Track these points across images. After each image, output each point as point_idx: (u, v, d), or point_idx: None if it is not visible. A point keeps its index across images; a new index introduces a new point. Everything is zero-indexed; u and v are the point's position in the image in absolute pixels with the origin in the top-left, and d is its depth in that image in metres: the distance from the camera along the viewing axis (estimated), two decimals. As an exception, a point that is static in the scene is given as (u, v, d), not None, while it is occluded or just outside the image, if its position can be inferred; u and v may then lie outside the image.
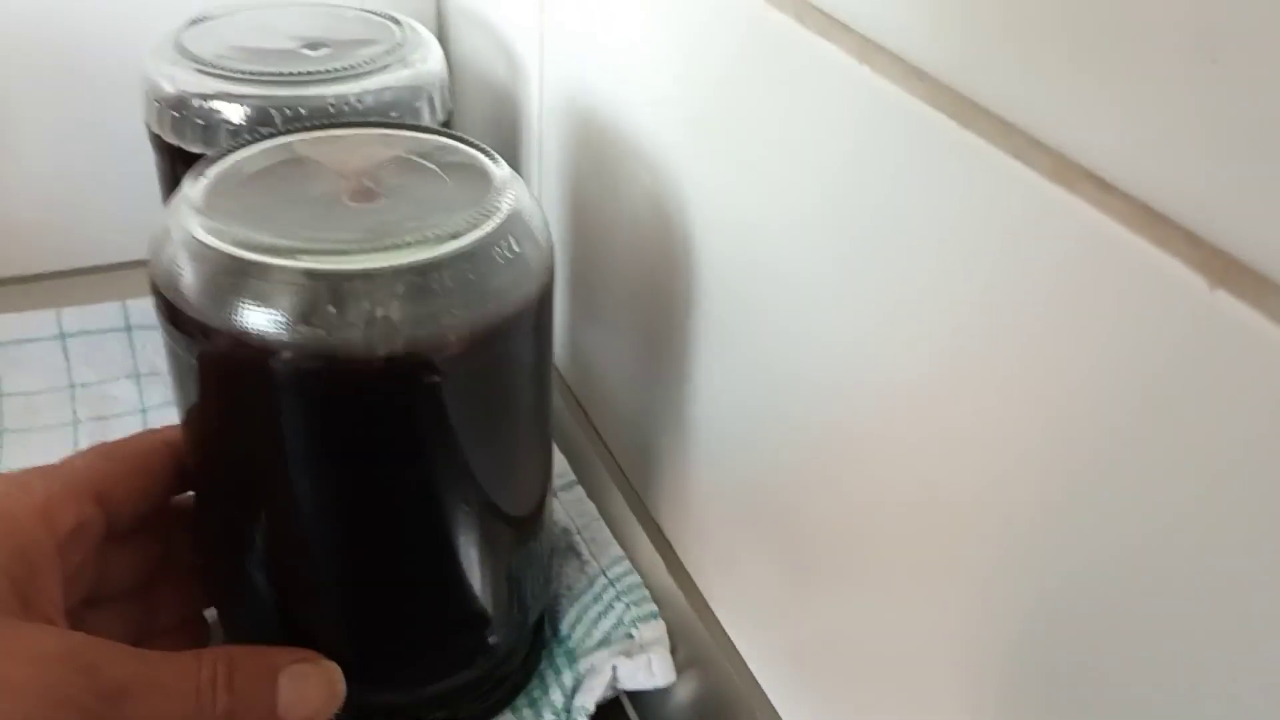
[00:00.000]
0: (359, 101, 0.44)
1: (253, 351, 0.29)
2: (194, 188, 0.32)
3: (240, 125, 0.43)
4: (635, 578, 0.42)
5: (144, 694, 0.29)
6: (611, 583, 0.42)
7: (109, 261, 0.61)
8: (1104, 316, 0.23)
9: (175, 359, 0.32)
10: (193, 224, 0.31)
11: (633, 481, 0.47)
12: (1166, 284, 0.21)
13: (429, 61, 0.47)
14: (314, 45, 0.47)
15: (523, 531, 0.37)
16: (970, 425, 0.26)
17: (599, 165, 0.45)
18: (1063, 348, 0.24)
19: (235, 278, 0.30)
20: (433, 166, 0.35)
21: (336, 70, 0.45)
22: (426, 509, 0.33)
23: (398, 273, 0.30)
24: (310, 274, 0.29)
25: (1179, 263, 0.21)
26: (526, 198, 0.34)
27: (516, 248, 0.32)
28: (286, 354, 0.29)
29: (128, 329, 0.54)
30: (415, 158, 0.35)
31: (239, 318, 0.29)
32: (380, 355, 0.29)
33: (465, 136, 0.36)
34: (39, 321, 0.54)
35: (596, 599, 0.42)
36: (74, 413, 0.51)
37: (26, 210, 0.59)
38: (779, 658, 0.38)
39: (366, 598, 0.35)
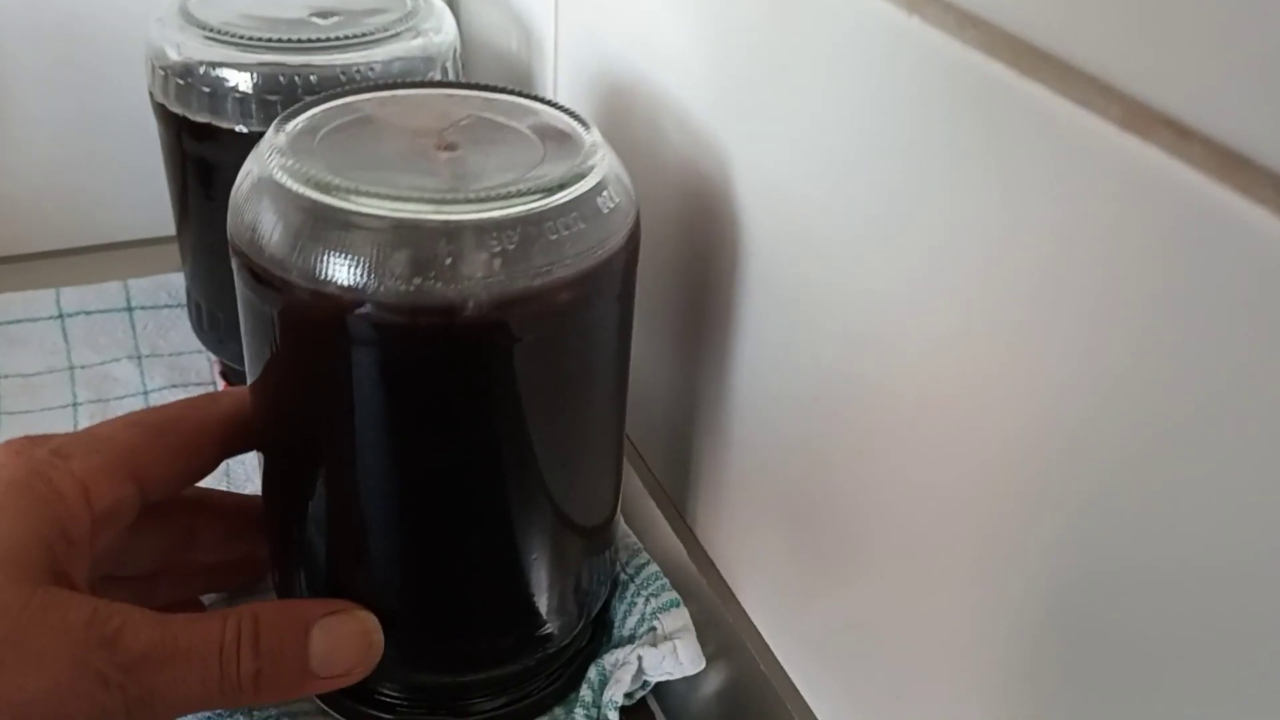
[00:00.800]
0: (370, 70, 0.42)
1: (334, 303, 0.28)
2: (276, 139, 0.31)
3: (247, 94, 0.41)
4: (653, 568, 0.40)
5: (164, 661, 0.28)
6: (631, 578, 0.40)
7: (110, 240, 0.60)
8: (1181, 271, 0.21)
9: (251, 311, 0.31)
10: (277, 169, 0.29)
11: (654, 470, 0.45)
12: (1254, 235, 0.20)
13: (441, 31, 0.46)
14: (324, 14, 0.45)
15: (592, 518, 0.36)
16: (1023, 401, 0.25)
17: (621, 141, 0.43)
18: (1136, 308, 0.22)
19: (320, 224, 0.28)
20: (516, 125, 0.34)
21: (347, 38, 0.43)
22: (499, 481, 0.32)
23: (494, 225, 0.28)
24: (400, 223, 0.28)
25: (1266, 211, 0.19)
26: (614, 158, 0.32)
27: (611, 204, 0.31)
28: (369, 306, 0.28)
29: (129, 309, 0.53)
30: (496, 116, 0.34)
31: (322, 266, 0.28)
32: (467, 313, 0.28)
33: (546, 98, 0.35)
34: (37, 301, 0.52)
35: (621, 598, 0.40)
36: (74, 394, 0.49)
37: (25, 188, 0.57)
38: (805, 645, 0.36)
39: (427, 571, 0.33)
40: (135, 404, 0.49)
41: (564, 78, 0.48)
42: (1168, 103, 0.21)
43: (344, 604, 0.32)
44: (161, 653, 0.28)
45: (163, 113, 0.44)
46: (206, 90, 0.42)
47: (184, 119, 0.43)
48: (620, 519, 0.42)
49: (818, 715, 0.35)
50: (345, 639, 0.31)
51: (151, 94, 0.44)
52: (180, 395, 0.44)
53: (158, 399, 0.49)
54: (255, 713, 0.36)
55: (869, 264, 0.29)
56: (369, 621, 0.32)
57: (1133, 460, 0.22)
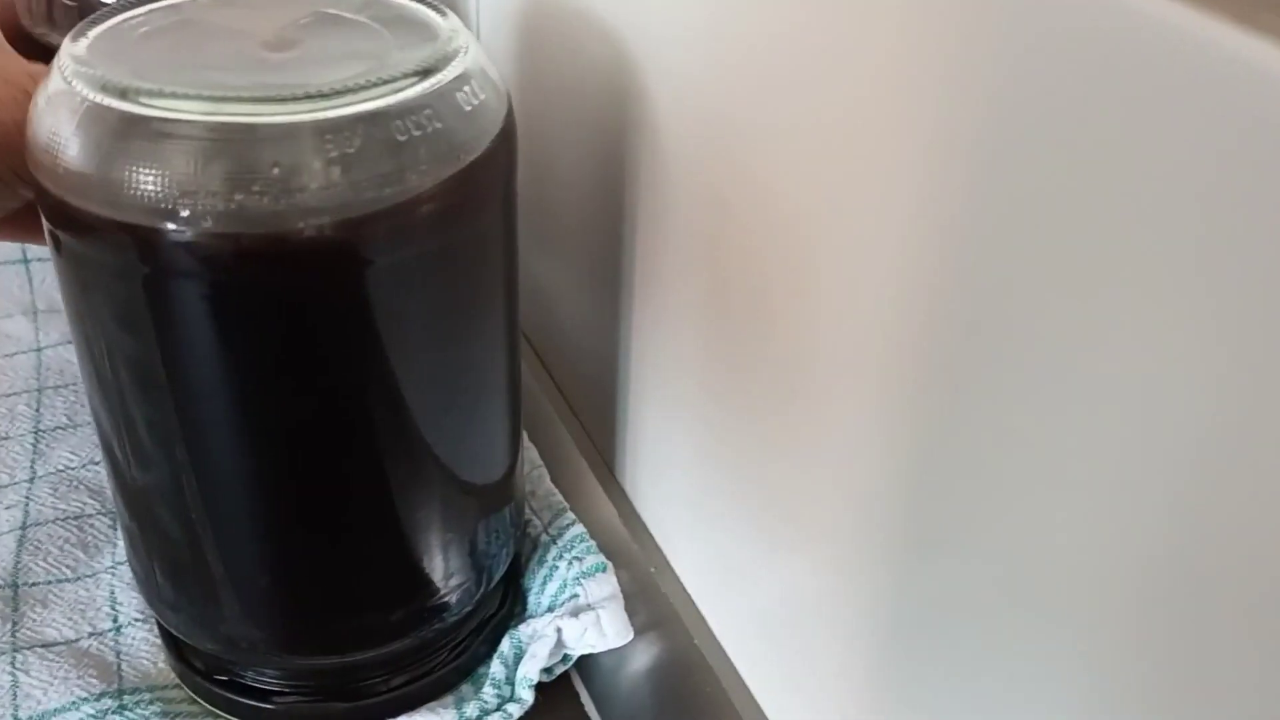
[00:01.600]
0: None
1: (144, 230, 0.24)
2: (75, 46, 0.26)
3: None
4: (579, 529, 0.35)
5: None
6: (554, 539, 0.35)
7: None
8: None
9: (59, 250, 0.26)
10: (73, 79, 0.25)
11: (587, 428, 0.40)
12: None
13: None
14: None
15: (484, 470, 0.31)
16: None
17: (544, 45, 0.38)
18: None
19: (125, 138, 0.24)
20: (364, 19, 0.28)
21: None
22: (364, 434, 0.28)
23: (329, 126, 0.24)
24: (218, 128, 0.23)
25: None
26: (477, 46, 0.28)
27: (475, 99, 0.26)
28: (185, 231, 0.23)
29: (25, 261, 0.48)
30: (341, 12, 0.29)
31: (130, 186, 0.23)
32: (302, 232, 0.24)
33: None
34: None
35: (540, 561, 0.35)
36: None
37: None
38: (746, 621, 0.31)
39: (291, 543, 0.29)
40: (28, 360, 0.45)
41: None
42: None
43: None
44: None
45: (27, 41, 0.39)
46: (71, 4, 0.37)
47: (49, 45, 0.38)
48: (542, 474, 0.38)
49: (755, 695, 0.30)
50: None
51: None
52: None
53: (52, 355, 0.45)
54: (128, 705, 0.32)
55: (789, 160, 0.24)
56: None
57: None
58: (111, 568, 0.36)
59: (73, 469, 0.40)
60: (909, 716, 0.24)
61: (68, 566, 0.36)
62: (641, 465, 0.36)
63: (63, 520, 0.38)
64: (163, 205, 0.23)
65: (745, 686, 0.31)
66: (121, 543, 0.37)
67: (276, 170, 0.24)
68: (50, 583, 0.36)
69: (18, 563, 0.36)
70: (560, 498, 0.37)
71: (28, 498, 0.38)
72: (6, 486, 0.39)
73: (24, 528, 0.37)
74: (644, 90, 0.30)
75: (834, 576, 0.26)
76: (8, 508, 0.38)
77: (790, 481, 0.27)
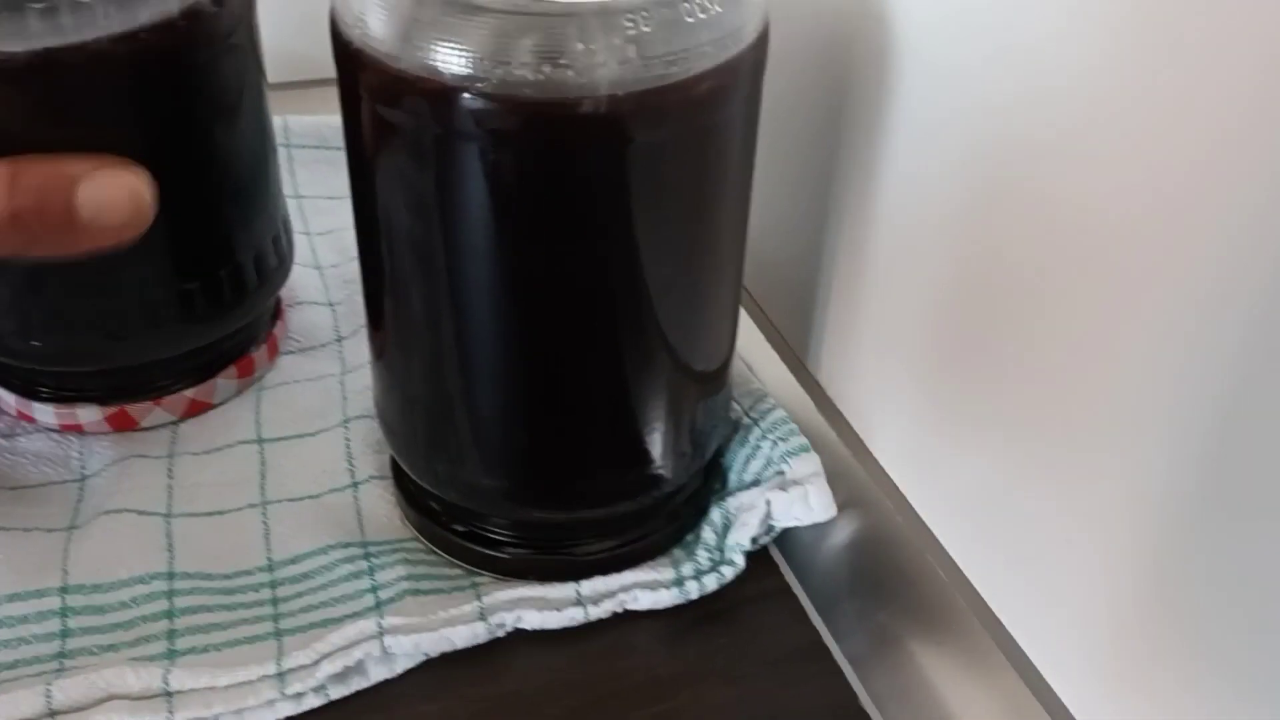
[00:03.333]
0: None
1: (453, 95, 0.26)
2: None
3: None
4: (781, 412, 0.37)
5: None
6: (755, 422, 0.38)
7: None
8: None
9: (352, 116, 0.29)
10: None
11: (772, 318, 0.43)
12: None
13: None
14: None
15: (710, 351, 0.34)
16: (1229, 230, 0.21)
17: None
18: None
19: (427, 9, 0.26)
20: None
21: None
22: (609, 304, 0.30)
23: (627, 6, 0.26)
24: (519, 5, 0.26)
25: None
26: None
27: None
28: (480, 102, 0.26)
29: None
30: None
31: (440, 56, 0.26)
32: (599, 104, 0.26)
33: None
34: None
35: (742, 442, 0.38)
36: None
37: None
38: (949, 499, 0.33)
39: (537, 398, 0.32)
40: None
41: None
42: None
43: (114, 160, 0.30)
44: None
45: None
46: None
47: None
48: (739, 361, 0.40)
49: (964, 570, 0.33)
50: (113, 192, 0.30)
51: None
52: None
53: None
54: (373, 553, 0.35)
55: (1054, 64, 0.26)
56: (138, 180, 0.30)
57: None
58: (344, 422, 0.39)
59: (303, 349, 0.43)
60: (1147, 617, 0.26)
61: (305, 422, 0.39)
62: (837, 359, 0.38)
63: (296, 382, 0.41)
64: (470, 73, 0.26)
65: (953, 562, 0.33)
66: (349, 397, 0.40)
67: (580, 45, 0.26)
68: (292, 438, 0.39)
69: (259, 417, 0.40)
70: (760, 384, 0.39)
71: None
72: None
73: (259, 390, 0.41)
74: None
75: (1069, 466, 0.28)
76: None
77: (1003, 364, 0.29)
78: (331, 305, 0.45)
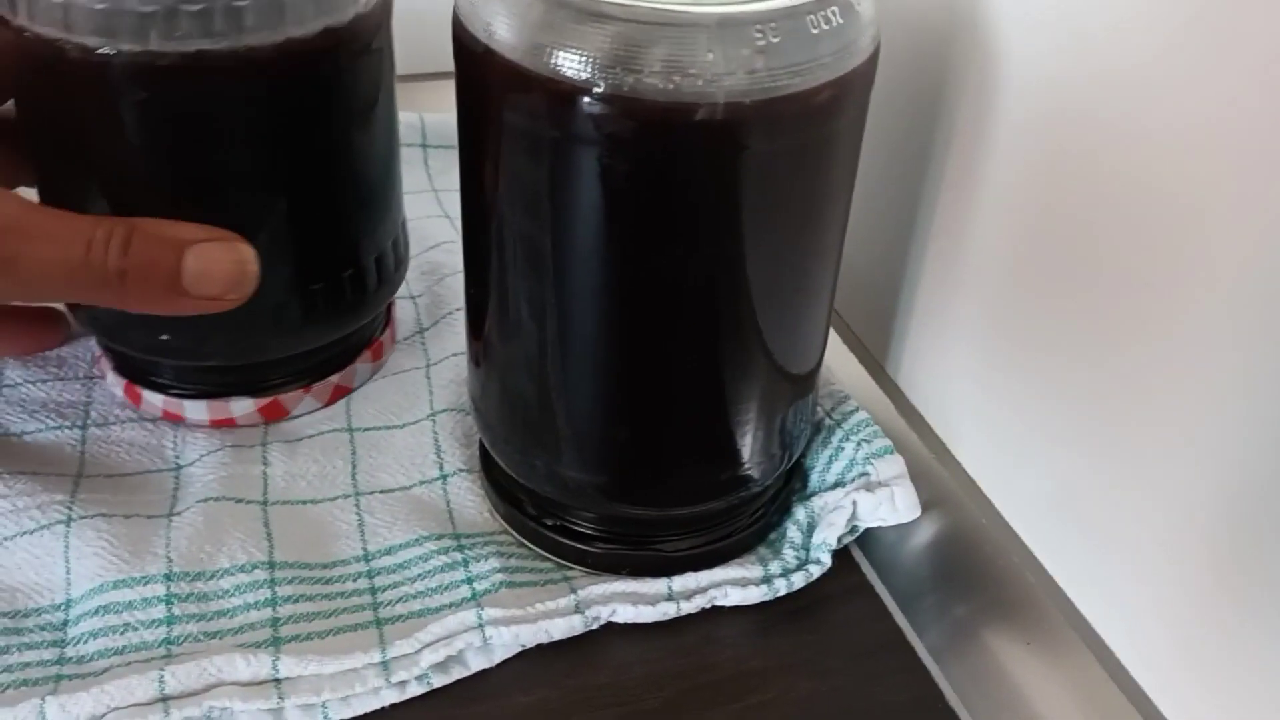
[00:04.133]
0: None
1: (582, 101, 0.27)
2: None
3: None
4: (863, 415, 0.38)
5: (28, 232, 0.30)
6: (838, 424, 0.38)
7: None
8: None
9: (471, 116, 0.30)
10: None
11: (851, 325, 0.43)
12: None
13: None
14: None
15: (803, 355, 0.34)
16: None
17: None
18: None
19: (549, 14, 0.27)
20: None
21: None
22: (709, 306, 0.31)
23: (756, 17, 0.26)
24: (664, 14, 0.26)
25: None
26: None
27: (859, 3, 0.29)
28: (596, 106, 0.26)
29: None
30: None
31: (557, 64, 0.27)
32: (721, 113, 0.26)
33: None
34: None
35: (825, 443, 0.38)
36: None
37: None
38: (1033, 499, 0.34)
39: (637, 396, 0.32)
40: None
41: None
42: None
43: (224, 233, 0.32)
44: (27, 224, 0.30)
45: None
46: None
47: None
48: (824, 364, 0.41)
49: (1050, 571, 0.33)
50: (220, 263, 0.32)
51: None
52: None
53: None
54: (465, 545, 0.36)
55: (1163, 93, 0.27)
56: (245, 251, 0.32)
57: None
58: (431, 415, 0.40)
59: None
60: (1231, 610, 0.27)
61: (393, 414, 0.40)
62: (919, 362, 0.39)
63: (384, 376, 0.42)
64: (602, 79, 0.26)
65: (1037, 561, 0.34)
66: (435, 390, 0.41)
67: (710, 55, 0.26)
68: (381, 429, 0.40)
69: (349, 409, 0.40)
70: (841, 387, 0.40)
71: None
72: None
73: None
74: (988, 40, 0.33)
75: (1149, 464, 0.29)
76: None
77: (1087, 361, 0.30)
78: (414, 299, 0.46)
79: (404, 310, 0.45)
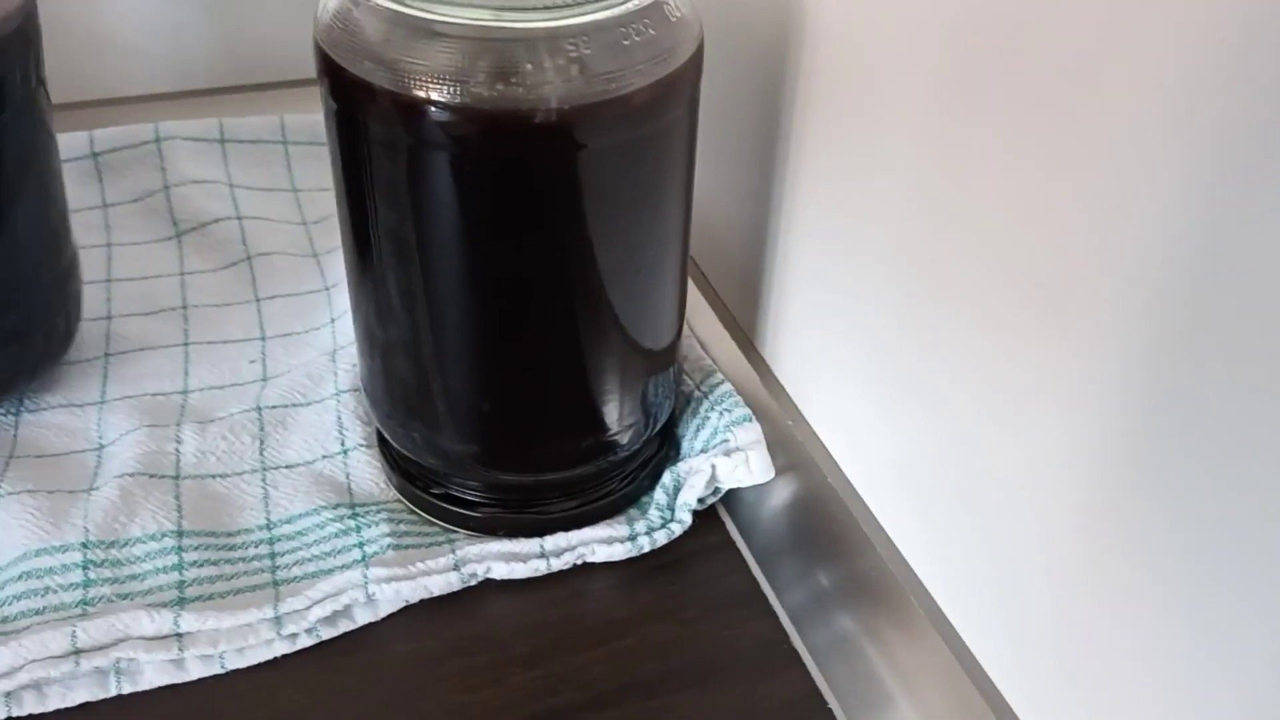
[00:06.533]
0: None
1: (420, 110, 0.30)
2: None
3: None
4: (727, 387, 0.41)
5: None
6: (705, 395, 0.42)
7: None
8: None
9: (339, 124, 0.33)
10: None
11: (726, 301, 0.46)
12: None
13: None
14: None
15: (657, 331, 0.38)
16: (1098, 200, 0.25)
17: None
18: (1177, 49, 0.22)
19: (413, 36, 0.30)
20: None
21: None
22: (564, 289, 0.34)
23: (572, 31, 0.30)
24: (487, 30, 0.29)
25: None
26: None
27: (678, 12, 0.32)
28: (453, 113, 0.30)
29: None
30: None
31: (409, 75, 0.30)
32: (546, 116, 0.30)
33: None
34: (203, 127, 0.56)
35: (693, 413, 0.42)
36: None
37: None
38: (875, 465, 0.37)
39: (505, 374, 0.36)
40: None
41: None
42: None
43: None
44: None
45: None
46: None
47: None
48: (693, 340, 0.44)
49: (886, 529, 0.37)
50: None
51: None
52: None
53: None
54: (359, 514, 0.39)
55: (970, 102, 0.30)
56: None
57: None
58: (335, 394, 0.43)
59: (296, 332, 0.47)
60: (1071, 572, 0.30)
61: (299, 393, 0.44)
62: (781, 338, 0.42)
63: (296, 366, 0.45)
64: (435, 90, 0.30)
65: (875, 519, 0.37)
66: (340, 373, 0.44)
67: (529, 66, 0.30)
68: (287, 406, 0.43)
69: (262, 392, 0.44)
70: (711, 362, 0.43)
71: (264, 353, 0.46)
72: (242, 341, 0.47)
73: (264, 379, 0.45)
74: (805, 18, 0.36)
75: (960, 429, 0.32)
76: (251, 361, 0.46)
77: (926, 340, 0.33)
78: (328, 290, 0.49)
79: (319, 301, 0.48)
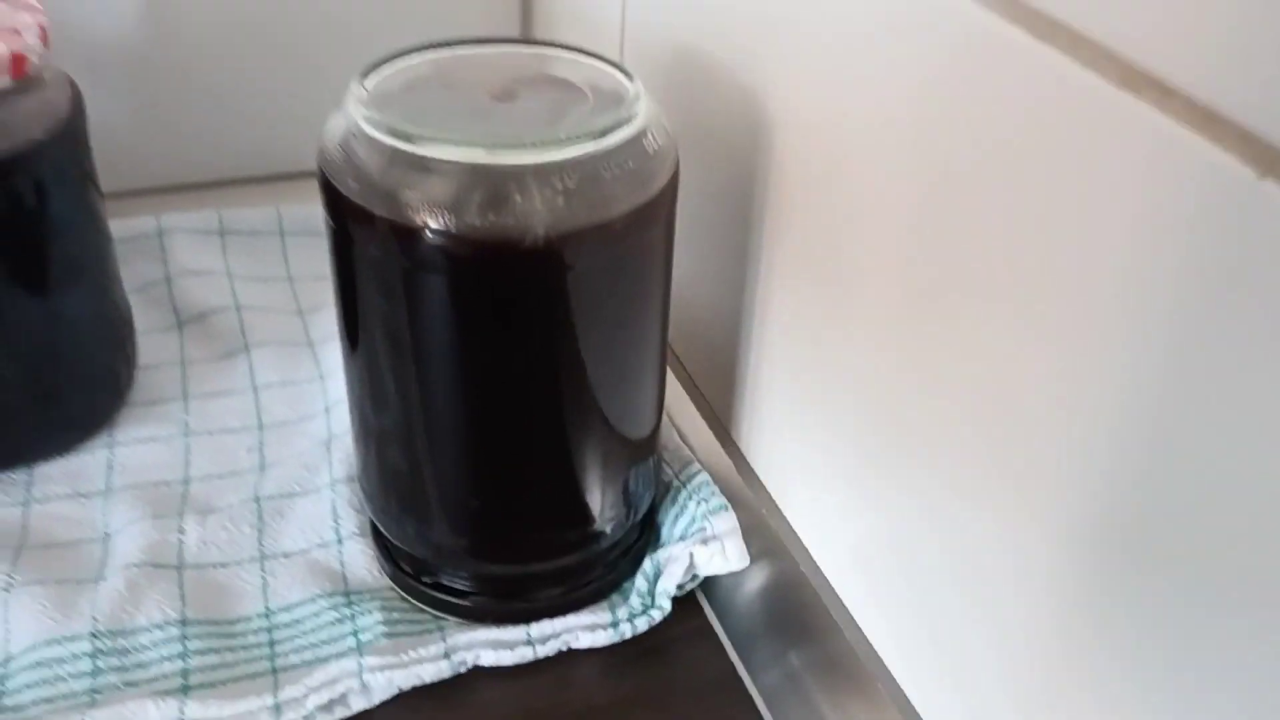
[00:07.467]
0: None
1: (416, 237, 0.32)
2: (359, 91, 0.35)
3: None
4: (704, 476, 0.44)
5: None
6: (684, 485, 0.44)
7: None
8: (1163, 207, 0.24)
9: (334, 240, 0.35)
10: (365, 124, 0.34)
11: (706, 394, 0.49)
12: (1220, 176, 0.22)
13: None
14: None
15: (638, 427, 0.40)
16: (1047, 326, 0.28)
17: (687, 84, 0.47)
18: (1134, 247, 0.25)
19: (407, 169, 0.33)
20: (565, 77, 0.37)
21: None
22: (559, 394, 0.36)
23: (557, 168, 0.32)
24: (479, 168, 0.32)
25: (1232, 157, 0.22)
26: (654, 106, 0.36)
27: (656, 144, 0.35)
28: (448, 240, 0.32)
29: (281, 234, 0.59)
30: (547, 72, 0.38)
31: (406, 204, 0.32)
32: (532, 244, 0.32)
33: (597, 52, 0.38)
34: (203, 219, 0.59)
35: (673, 502, 0.44)
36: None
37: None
38: (844, 553, 0.40)
39: (496, 473, 0.38)
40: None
41: (631, 30, 0.51)
42: (1156, 65, 0.24)
43: None
44: None
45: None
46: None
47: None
48: (672, 431, 0.47)
49: (853, 615, 0.39)
50: None
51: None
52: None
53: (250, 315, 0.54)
54: (354, 602, 0.41)
55: (905, 208, 0.33)
56: None
57: (1148, 379, 0.26)
58: (330, 484, 0.45)
59: (291, 421, 0.49)
60: (1030, 658, 0.32)
61: (296, 483, 0.46)
62: (756, 429, 0.45)
63: (292, 455, 0.47)
64: (430, 218, 0.32)
65: (841, 603, 0.39)
66: (334, 463, 0.46)
67: (519, 198, 0.32)
68: (284, 496, 0.45)
69: (260, 482, 0.46)
70: (689, 451, 0.45)
71: (261, 442, 0.48)
72: (240, 430, 0.49)
73: (262, 468, 0.47)
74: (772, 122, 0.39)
75: (924, 522, 0.34)
76: (248, 450, 0.48)
77: (893, 431, 0.35)
78: (322, 379, 0.51)
79: (314, 390, 0.51)
